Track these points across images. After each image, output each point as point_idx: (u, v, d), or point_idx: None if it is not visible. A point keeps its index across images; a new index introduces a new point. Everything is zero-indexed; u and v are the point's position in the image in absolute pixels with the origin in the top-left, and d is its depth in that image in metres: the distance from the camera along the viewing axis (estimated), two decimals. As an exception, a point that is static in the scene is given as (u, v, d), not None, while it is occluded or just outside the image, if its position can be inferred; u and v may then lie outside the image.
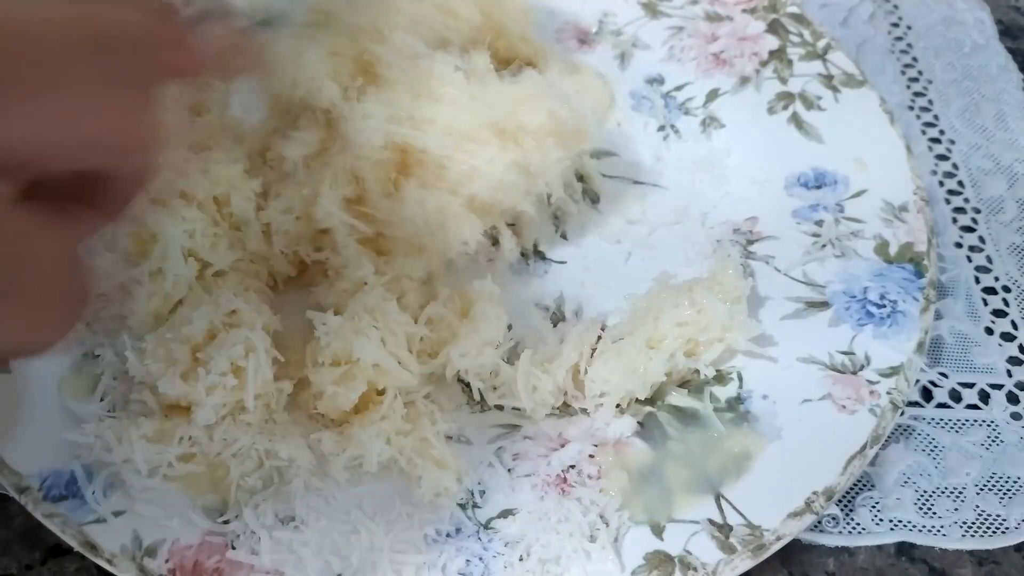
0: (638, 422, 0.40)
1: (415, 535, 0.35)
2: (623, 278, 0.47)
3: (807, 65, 0.55)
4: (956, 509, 0.38)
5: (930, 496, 0.39)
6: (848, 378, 0.41)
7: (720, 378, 0.42)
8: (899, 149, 0.51)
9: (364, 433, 0.36)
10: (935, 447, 0.40)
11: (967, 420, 0.41)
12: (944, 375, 0.43)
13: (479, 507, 0.37)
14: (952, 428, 0.41)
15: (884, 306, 0.44)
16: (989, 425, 0.41)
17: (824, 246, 0.47)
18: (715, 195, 0.51)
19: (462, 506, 0.36)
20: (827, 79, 0.54)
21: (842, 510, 0.38)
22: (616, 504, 0.37)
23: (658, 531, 0.36)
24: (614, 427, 0.40)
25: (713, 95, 0.55)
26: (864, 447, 0.38)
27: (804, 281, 0.46)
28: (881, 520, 0.38)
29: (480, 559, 0.34)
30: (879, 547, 0.37)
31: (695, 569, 0.35)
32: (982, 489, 0.39)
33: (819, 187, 0.50)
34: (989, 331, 0.45)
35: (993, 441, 0.40)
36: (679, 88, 0.56)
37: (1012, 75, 0.55)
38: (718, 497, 0.37)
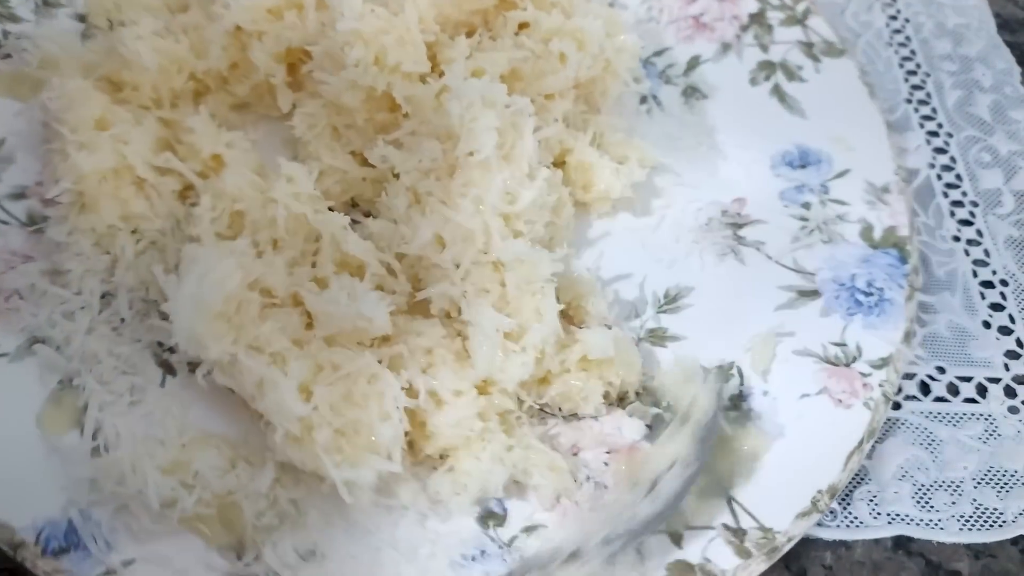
0: (646, 425, 0.40)
1: (440, 563, 0.35)
2: (609, 261, 0.46)
3: (787, 31, 0.54)
4: (954, 503, 0.39)
5: (928, 490, 0.40)
6: (842, 371, 0.42)
7: (722, 375, 0.42)
8: (879, 125, 0.51)
9: (477, 466, 0.36)
10: (932, 441, 0.41)
11: (964, 414, 0.42)
12: (941, 369, 0.44)
13: (501, 526, 0.37)
14: (950, 422, 0.42)
15: (872, 294, 0.45)
16: (986, 419, 0.42)
17: (812, 231, 0.47)
18: (701, 174, 0.50)
19: (483, 526, 0.36)
20: (807, 47, 0.53)
21: (840, 504, 0.40)
22: (633, 515, 0.37)
23: (677, 539, 0.37)
24: (625, 431, 0.40)
25: (695, 63, 0.54)
26: (861, 442, 0.40)
27: (794, 269, 0.46)
28: (879, 514, 0.39)
29: (509, 582, 0.35)
30: (876, 541, 0.39)
31: (714, 576, 0.36)
32: (979, 483, 0.40)
33: (804, 167, 0.50)
34: (987, 325, 0.46)
35: (991, 435, 0.42)
36: (658, 54, 0.54)
37: (1010, 67, 0.55)
38: (730, 500, 0.38)
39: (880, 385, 0.42)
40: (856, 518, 0.39)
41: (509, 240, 0.40)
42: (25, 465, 0.34)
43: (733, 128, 0.51)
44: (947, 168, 0.52)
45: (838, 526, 0.39)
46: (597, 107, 0.49)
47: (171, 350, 0.38)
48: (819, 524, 0.39)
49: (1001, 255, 0.48)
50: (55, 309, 0.38)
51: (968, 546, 0.38)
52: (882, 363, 0.42)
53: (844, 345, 0.43)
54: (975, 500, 0.40)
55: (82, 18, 0.47)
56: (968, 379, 0.44)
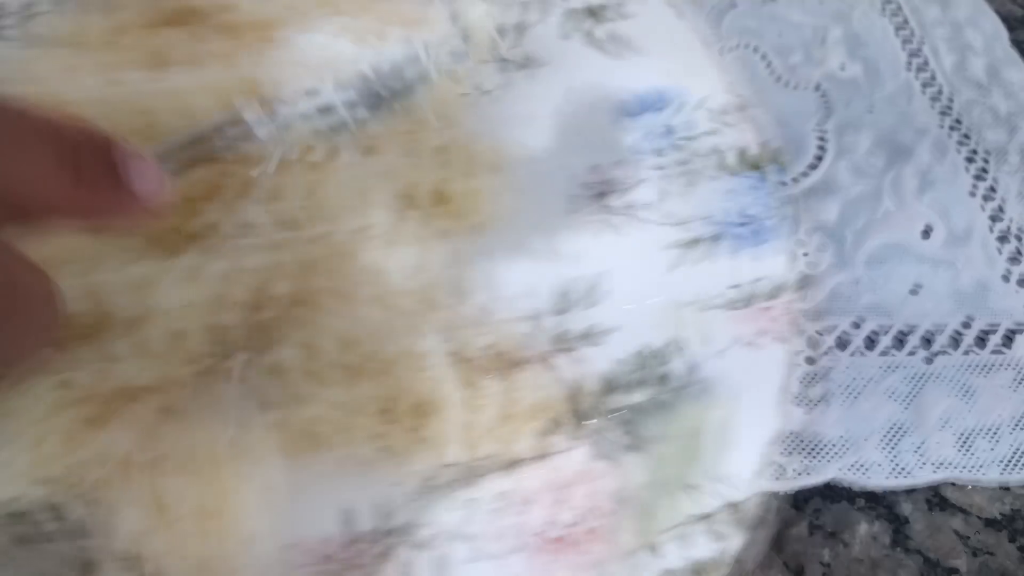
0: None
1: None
2: (500, 281, 0.44)
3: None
4: (992, 448, 0.41)
5: (968, 437, 0.42)
6: (751, 312, 0.42)
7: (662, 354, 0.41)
8: (697, 47, 0.50)
9: None
10: (967, 390, 0.43)
11: (993, 364, 0.45)
12: (967, 324, 0.46)
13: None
14: (981, 372, 0.44)
15: (749, 224, 0.45)
16: (1014, 367, 0.44)
17: (673, 177, 0.46)
18: (545, 152, 0.48)
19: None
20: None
21: (888, 455, 0.41)
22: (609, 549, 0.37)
23: (654, 551, 0.37)
24: (571, 462, 0.39)
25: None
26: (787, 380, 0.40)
27: (671, 223, 0.45)
28: (925, 463, 0.41)
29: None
30: (874, 538, 0.40)
31: (707, 571, 0.36)
32: (1015, 427, 0.42)
33: (643, 113, 0.49)
34: (1005, 278, 0.48)
35: (1020, 382, 0.44)
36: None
37: (997, 29, 0.56)
38: (687, 488, 0.38)
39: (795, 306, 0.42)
40: (903, 468, 0.41)
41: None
42: None
43: (569, 93, 0.49)
44: (954, 128, 0.53)
45: (886, 477, 0.41)
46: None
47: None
48: (868, 476, 0.40)
49: (1013, 208, 0.49)
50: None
51: (966, 543, 0.40)
52: (782, 287, 0.43)
53: (738, 286, 0.43)
54: (1012, 444, 0.42)
55: None
56: (994, 331, 0.46)
